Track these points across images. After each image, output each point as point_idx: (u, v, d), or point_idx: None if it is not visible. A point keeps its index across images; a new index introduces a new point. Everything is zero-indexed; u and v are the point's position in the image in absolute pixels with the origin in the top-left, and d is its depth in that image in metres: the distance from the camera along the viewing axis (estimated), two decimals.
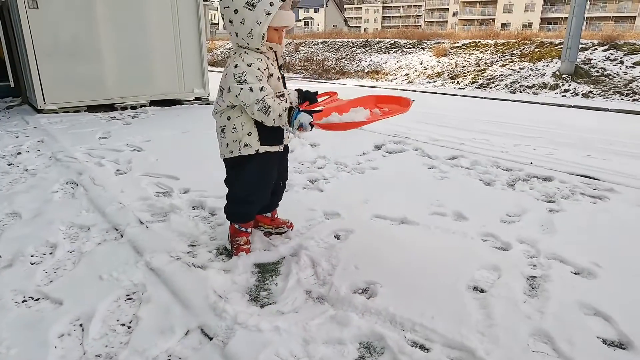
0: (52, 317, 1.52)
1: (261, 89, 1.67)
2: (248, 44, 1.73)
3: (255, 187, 1.91)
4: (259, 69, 1.70)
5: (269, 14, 1.67)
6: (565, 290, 1.70)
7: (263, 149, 1.83)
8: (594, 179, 3.18)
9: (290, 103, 1.81)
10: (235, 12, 1.68)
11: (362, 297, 1.64)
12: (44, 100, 5.44)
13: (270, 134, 1.81)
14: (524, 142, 5.97)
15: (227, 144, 1.85)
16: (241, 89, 1.67)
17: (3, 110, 5.86)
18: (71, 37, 5.47)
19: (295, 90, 1.99)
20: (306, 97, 1.91)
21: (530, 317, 1.53)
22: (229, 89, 1.72)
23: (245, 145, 1.81)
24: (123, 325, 1.50)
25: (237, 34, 1.73)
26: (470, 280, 1.78)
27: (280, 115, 1.67)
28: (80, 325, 1.49)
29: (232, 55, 1.79)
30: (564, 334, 1.44)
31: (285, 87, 1.91)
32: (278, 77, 1.84)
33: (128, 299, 1.64)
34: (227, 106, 1.81)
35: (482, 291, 1.71)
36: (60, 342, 1.41)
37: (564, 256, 1.97)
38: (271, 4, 1.67)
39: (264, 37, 1.71)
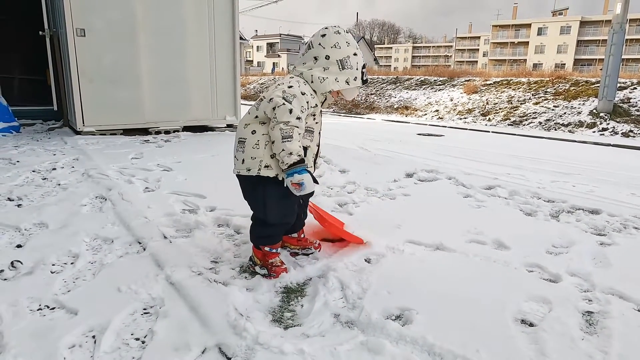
0: (65, 327, 1.44)
1: (298, 118, 1.64)
2: (312, 82, 1.75)
3: (279, 211, 1.80)
4: (307, 102, 1.70)
5: (347, 83, 1.77)
6: (630, 328, 1.49)
7: (282, 177, 1.71)
8: None
9: (302, 157, 1.67)
10: (327, 57, 1.75)
11: (396, 323, 1.48)
12: (83, 123, 5.63)
13: None
14: (562, 178, 5.72)
15: (244, 160, 1.74)
16: (283, 104, 1.62)
17: (45, 131, 6.10)
18: (113, 63, 5.71)
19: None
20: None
21: (591, 357, 1.33)
22: (271, 99, 1.65)
23: (266, 167, 1.71)
24: (137, 339, 1.39)
25: (310, 69, 1.76)
26: (518, 312, 1.59)
27: (290, 154, 1.61)
28: (93, 337, 1.40)
29: (288, 77, 1.77)
30: None
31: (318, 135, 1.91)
32: (317, 122, 1.85)
33: (145, 313, 1.55)
34: (256, 117, 1.73)
35: (531, 325, 1.52)
36: (69, 354, 1.31)
37: (623, 292, 1.76)
38: (355, 78, 1.79)
39: (330, 92, 1.79)
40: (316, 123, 1.85)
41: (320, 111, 1.87)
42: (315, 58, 1.76)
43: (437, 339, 1.38)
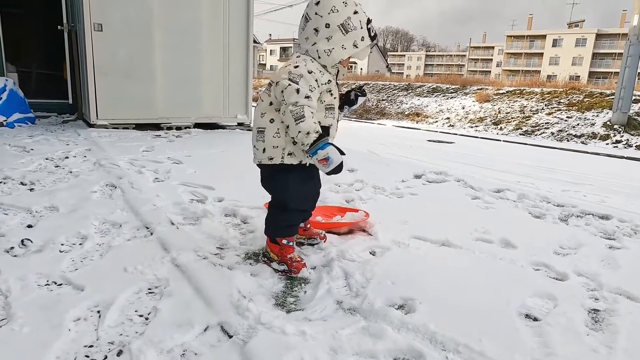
0: (71, 301, 1.46)
1: (307, 97, 1.54)
2: (319, 57, 1.66)
3: (302, 196, 1.78)
4: (316, 80, 1.61)
5: (356, 46, 1.67)
6: (637, 326, 1.47)
7: (307, 161, 1.68)
8: None
9: (320, 132, 1.56)
10: (327, 26, 1.64)
11: (399, 312, 1.48)
12: (97, 116, 5.72)
13: None
14: (573, 188, 5.66)
15: (265, 149, 1.68)
16: (289, 85, 1.54)
17: (59, 124, 6.21)
18: (128, 59, 5.80)
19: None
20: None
21: (596, 351, 1.32)
22: (277, 82, 1.57)
23: (289, 154, 1.66)
24: (141, 316, 1.41)
25: (314, 43, 1.66)
26: (522, 306, 1.58)
27: (308, 133, 1.51)
28: (98, 312, 1.42)
29: (294, 56, 1.69)
30: None
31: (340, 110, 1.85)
32: (334, 97, 1.76)
33: (149, 292, 1.56)
34: (271, 104, 1.67)
35: (535, 319, 1.51)
36: (75, 326, 1.33)
37: (631, 292, 1.73)
38: (362, 38, 1.67)
39: (340, 62, 1.70)
40: (334, 98, 1.75)
41: (337, 84, 1.78)
42: (316, 30, 1.65)
43: (440, 327, 1.37)
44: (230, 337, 1.29)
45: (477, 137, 12.53)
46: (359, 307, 1.51)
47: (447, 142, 10.59)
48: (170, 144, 4.89)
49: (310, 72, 1.60)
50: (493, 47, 64.19)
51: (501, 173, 6.29)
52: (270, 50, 63.13)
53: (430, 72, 63.63)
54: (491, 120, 14.11)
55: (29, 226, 2.14)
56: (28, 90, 6.56)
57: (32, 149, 4.00)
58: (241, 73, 6.79)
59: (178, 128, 6.24)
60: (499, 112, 14.43)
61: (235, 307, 1.42)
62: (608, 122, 11.88)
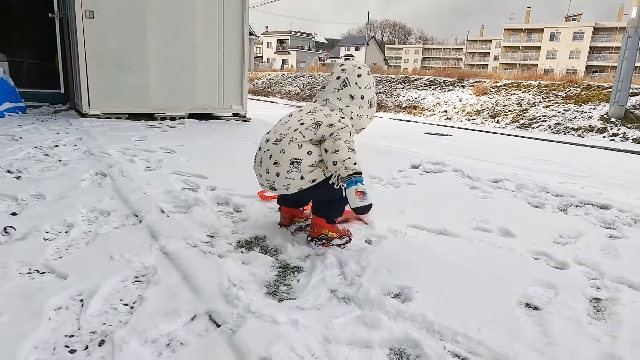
0: (53, 289, 1.39)
1: (353, 141, 1.77)
2: (351, 118, 1.91)
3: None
4: (351, 133, 1.81)
5: (369, 119, 2.02)
6: None
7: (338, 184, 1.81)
8: None
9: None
10: (362, 97, 1.96)
11: (395, 300, 1.42)
12: (89, 106, 5.61)
13: None
14: (570, 180, 5.63)
15: (303, 177, 1.74)
16: (345, 126, 1.76)
17: (51, 113, 6.09)
18: (121, 47, 5.68)
19: None
20: None
21: (599, 340, 1.27)
22: (332, 124, 1.75)
23: (324, 173, 1.78)
24: (126, 305, 1.35)
25: (347, 105, 1.93)
26: (522, 295, 1.53)
27: (356, 163, 1.68)
28: (81, 300, 1.35)
29: (327, 109, 1.89)
30: None
31: None
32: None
33: (136, 280, 1.50)
34: (311, 140, 1.76)
35: (536, 308, 1.46)
36: (55, 315, 1.27)
37: (633, 281, 1.68)
38: (374, 115, 2.08)
39: (364, 129, 2.01)
40: None
41: None
42: (352, 96, 1.94)
43: (437, 317, 1.32)
44: (219, 326, 1.23)
45: (474, 130, 12.48)
46: (353, 296, 1.45)
47: (444, 135, 10.54)
48: (164, 134, 4.81)
49: (351, 126, 1.85)
50: (490, 41, 63.99)
51: (498, 165, 6.25)
52: (267, 43, 62.70)
53: (427, 66, 63.37)
54: (488, 113, 14.06)
55: (13, 214, 2.07)
56: (19, 79, 6.43)
57: (21, 138, 3.91)
58: (236, 63, 6.68)
59: (172, 118, 6.14)
60: (496, 105, 14.38)
61: (225, 296, 1.36)
62: (605, 115, 11.86)
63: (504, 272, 1.69)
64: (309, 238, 1.90)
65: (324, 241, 1.87)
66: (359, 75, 1.96)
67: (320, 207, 1.89)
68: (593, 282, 1.68)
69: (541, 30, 52.28)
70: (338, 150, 1.68)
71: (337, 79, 1.97)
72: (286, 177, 1.75)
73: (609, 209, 2.81)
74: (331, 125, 1.75)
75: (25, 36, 7.29)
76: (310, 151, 1.74)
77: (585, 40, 48.41)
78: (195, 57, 6.28)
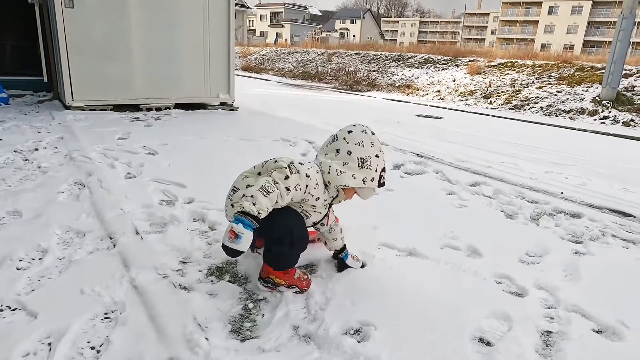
0: (23, 331, 1.44)
1: (287, 188, 1.56)
2: (328, 173, 1.71)
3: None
4: (307, 186, 1.64)
5: (364, 182, 1.73)
6: (585, 353, 1.50)
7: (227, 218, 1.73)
8: (628, 215, 2.92)
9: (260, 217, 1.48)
10: (349, 153, 1.72)
11: (353, 339, 1.49)
12: (72, 98, 5.55)
13: None
14: (556, 169, 5.67)
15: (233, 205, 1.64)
16: (284, 168, 1.59)
17: (34, 104, 6.02)
18: (103, 36, 5.57)
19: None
20: None
21: None
22: (276, 161, 1.64)
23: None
24: (93, 348, 1.40)
25: (330, 160, 1.73)
26: (477, 329, 1.60)
27: (254, 204, 1.45)
28: (49, 344, 1.41)
29: (315, 163, 1.76)
30: None
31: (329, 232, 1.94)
32: (318, 212, 1.78)
33: (105, 318, 1.55)
34: (259, 173, 1.69)
35: (488, 344, 1.53)
36: None
37: (586, 310, 1.76)
38: (372, 179, 1.75)
39: (344, 187, 1.73)
40: (315, 213, 1.78)
41: (328, 206, 1.82)
42: (337, 151, 1.74)
43: (391, 358, 1.39)
44: None
45: (467, 112, 12.44)
46: (314, 334, 1.52)
47: (436, 118, 10.51)
48: (148, 130, 4.79)
49: (307, 176, 1.64)
50: (488, 14, 62.87)
51: (486, 153, 6.26)
52: (261, 16, 61.26)
53: (424, 40, 62.39)
54: (481, 94, 13.99)
55: None
56: (1, 66, 6.31)
57: (1, 139, 3.89)
58: (223, 50, 6.57)
59: (158, 109, 6.09)
60: (490, 86, 14.30)
61: (187, 341, 1.42)
62: (597, 98, 11.84)
63: (464, 303, 1.76)
64: (259, 277, 1.79)
65: (269, 285, 1.76)
66: (350, 132, 1.75)
67: (268, 255, 1.74)
68: (547, 312, 1.75)
69: (539, 4, 51.36)
70: (252, 186, 1.53)
71: (330, 137, 1.84)
72: (232, 205, 1.62)
73: (580, 217, 2.88)
74: (276, 161, 1.64)
75: (7, 21, 7.09)
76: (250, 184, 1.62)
77: (584, 15, 47.69)
78: (180, 44, 6.18)
